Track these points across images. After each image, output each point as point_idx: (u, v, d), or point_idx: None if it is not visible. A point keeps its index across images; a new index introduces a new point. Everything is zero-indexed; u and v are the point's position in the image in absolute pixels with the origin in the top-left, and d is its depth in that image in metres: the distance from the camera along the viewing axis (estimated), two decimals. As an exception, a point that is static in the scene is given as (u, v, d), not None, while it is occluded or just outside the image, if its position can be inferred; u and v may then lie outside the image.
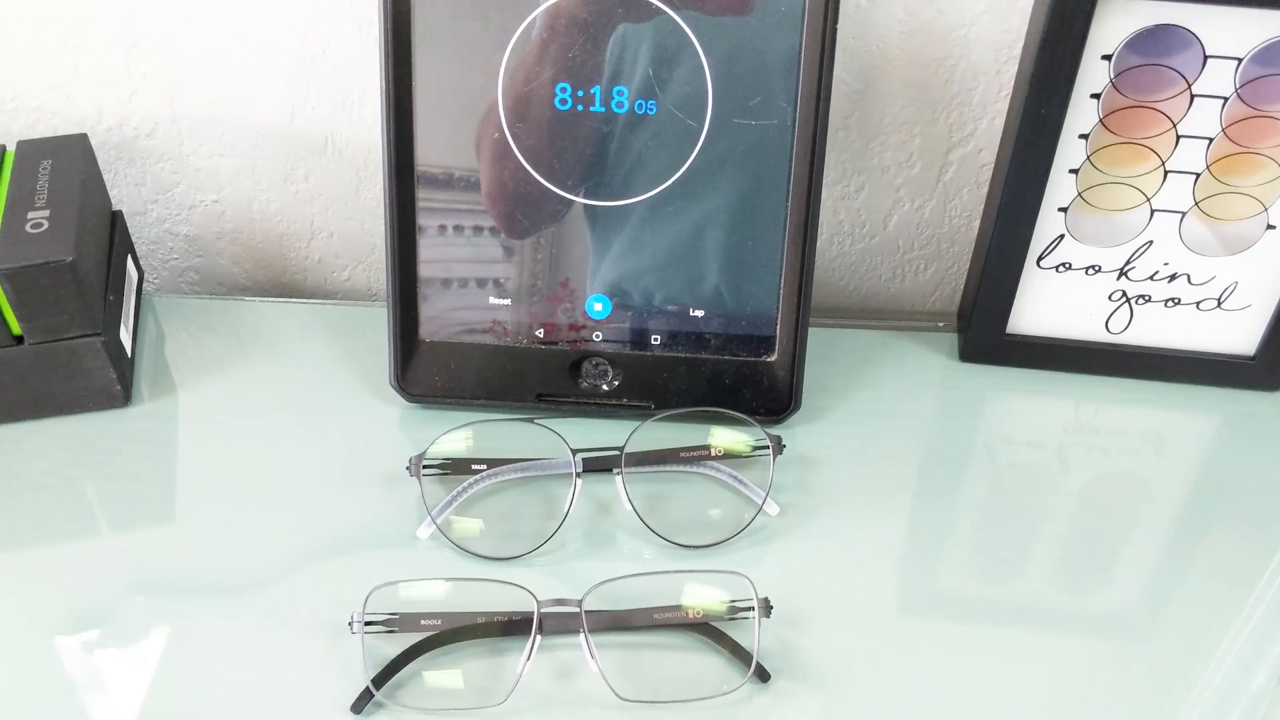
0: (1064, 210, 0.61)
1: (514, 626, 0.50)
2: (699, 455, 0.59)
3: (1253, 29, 0.55)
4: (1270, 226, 0.60)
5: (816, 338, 0.64)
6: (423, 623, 0.51)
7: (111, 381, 0.61)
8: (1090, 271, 0.63)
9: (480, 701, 0.49)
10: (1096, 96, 0.58)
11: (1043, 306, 0.65)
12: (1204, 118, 0.58)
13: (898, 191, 0.71)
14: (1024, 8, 0.63)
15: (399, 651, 0.50)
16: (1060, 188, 0.60)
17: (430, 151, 0.58)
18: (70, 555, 0.55)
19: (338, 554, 0.55)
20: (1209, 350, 0.65)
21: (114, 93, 0.67)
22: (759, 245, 0.59)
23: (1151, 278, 0.63)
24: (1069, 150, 0.59)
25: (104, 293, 0.61)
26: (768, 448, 0.58)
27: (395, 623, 0.50)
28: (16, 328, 0.58)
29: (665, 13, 0.55)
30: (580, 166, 0.58)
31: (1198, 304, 0.63)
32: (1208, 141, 0.58)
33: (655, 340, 0.61)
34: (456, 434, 0.58)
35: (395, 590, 0.51)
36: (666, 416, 0.59)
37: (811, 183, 0.57)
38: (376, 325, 0.64)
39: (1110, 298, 0.64)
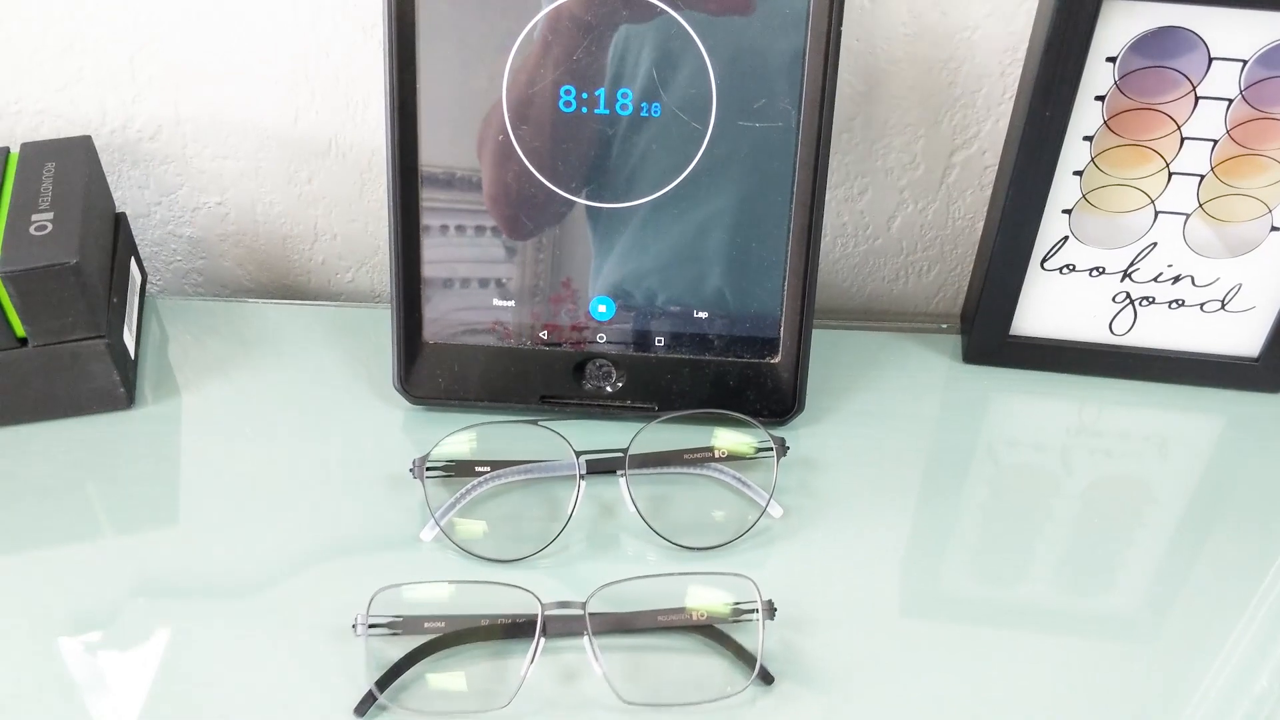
0: (1068, 212, 0.61)
1: (518, 629, 0.50)
2: (703, 457, 0.59)
3: (1258, 31, 0.55)
4: (1274, 228, 0.60)
5: (820, 339, 0.64)
6: (426, 625, 0.51)
7: (115, 384, 0.61)
8: (1094, 273, 0.63)
9: (484, 704, 0.49)
10: (1101, 99, 0.58)
11: (1046, 308, 0.64)
12: (1208, 120, 0.58)
13: (901, 193, 0.71)
14: (1028, 10, 0.63)
15: (402, 654, 0.50)
16: (1064, 190, 0.60)
17: (434, 153, 0.58)
18: (73, 557, 0.55)
19: (341, 556, 0.55)
20: (1213, 352, 0.65)
21: (118, 95, 0.67)
22: (763, 247, 0.59)
23: (1155, 279, 0.63)
24: (1073, 152, 0.59)
25: (108, 295, 0.61)
26: (771, 449, 0.58)
27: (399, 625, 0.50)
28: (20, 330, 0.58)
29: (667, 13, 0.55)
30: (584, 169, 0.58)
31: (1202, 306, 0.63)
32: (1212, 143, 0.58)
33: (659, 342, 0.61)
34: (460, 436, 0.58)
35: (399, 593, 0.51)
36: (670, 418, 0.59)
37: (815, 185, 0.57)
38: (380, 327, 0.64)
39: (1114, 299, 0.64)
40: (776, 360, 0.61)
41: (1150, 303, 0.64)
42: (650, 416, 0.60)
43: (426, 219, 0.59)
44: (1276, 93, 0.56)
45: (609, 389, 0.62)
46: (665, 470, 0.59)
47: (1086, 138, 0.59)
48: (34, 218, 0.58)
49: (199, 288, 0.77)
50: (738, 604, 0.51)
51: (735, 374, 0.61)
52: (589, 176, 0.58)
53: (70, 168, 0.62)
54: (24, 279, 0.56)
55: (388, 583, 0.51)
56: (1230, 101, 0.57)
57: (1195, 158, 0.59)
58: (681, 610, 0.51)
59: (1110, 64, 0.57)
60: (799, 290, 0.59)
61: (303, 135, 0.69)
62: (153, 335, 0.67)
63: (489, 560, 0.55)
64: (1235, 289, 0.62)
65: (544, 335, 0.61)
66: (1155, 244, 0.62)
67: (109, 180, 0.68)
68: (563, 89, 0.56)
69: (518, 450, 0.58)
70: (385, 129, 0.57)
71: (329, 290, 0.76)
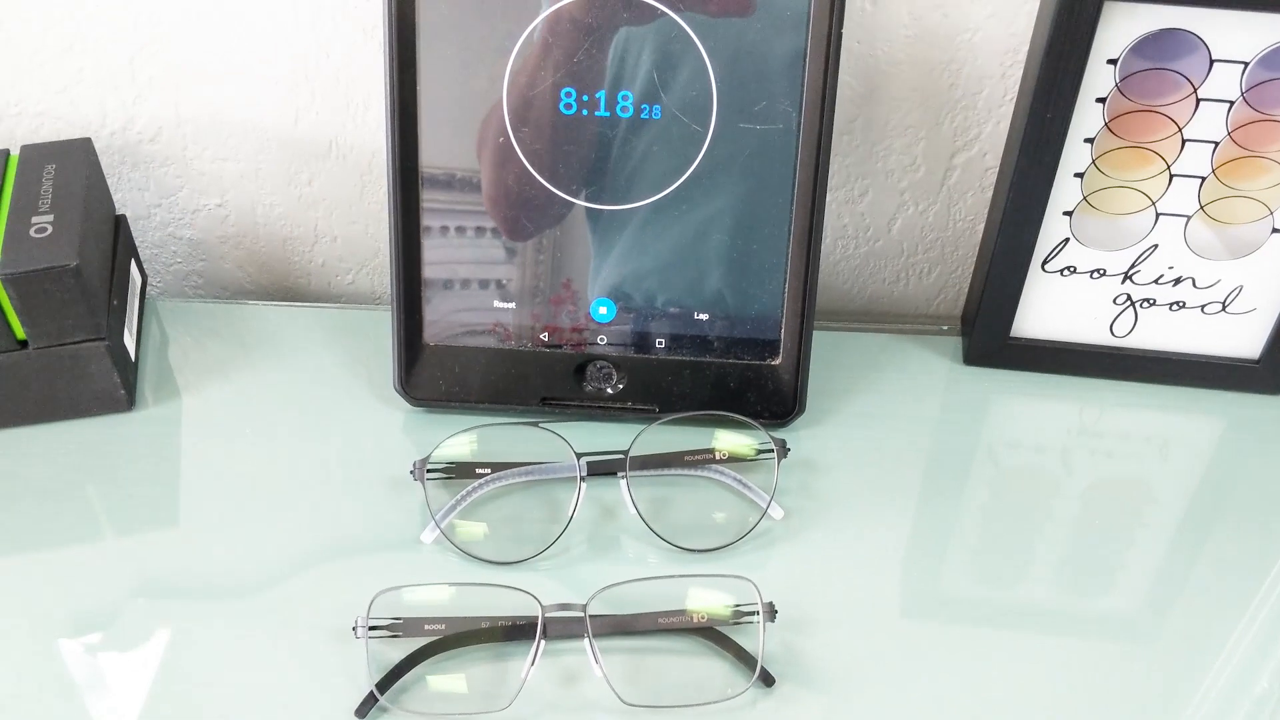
0: (1069, 214, 0.61)
1: (518, 631, 0.50)
2: (703, 459, 0.59)
3: (1259, 33, 0.55)
4: (1276, 230, 0.60)
5: (821, 341, 0.64)
6: (427, 627, 0.50)
7: (115, 386, 0.61)
8: (1095, 275, 0.63)
9: (484, 706, 0.49)
10: (1102, 101, 0.58)
11: (1047, 310, 0.64)
12: (1210, 122, 0.58)
13: (902, 195, 0.71)
14: (1029, 12, 0.63)
15: (403, 656, 0.50)
16: (1065, 191, 0.60)
17: (435, 155, 0.58)
18: (74, 559, 0.55)
19: (341, 558, 0.55)
20: (1214, 354, 0.65)
21: (118, 97, 0.67)
22: (763, 249, 0.59)
23: (1156, 281, 0.63)
24: (1074, 154, 0.59)
25: (108, 297, 0.61)
26: (772, 451, 0.58)
27: (399, 627, 0.50)
28: (21, 332, 0.58)
29: (668, 15, 0.55)
30: (585, 171, 0.58)
31: (1202, 308, 0.63)
32: (1213, 145, 0.58)
33: (660, 344, 0.61)
34: (460, 438, 0.58)
35: (399, 595, 0.51)
36: (671, 420, 0.59)
37: (816, 186, 0.57)
38: (380, 329, 0.64)
39: (1115, 301, 0.64)
40: (777, 362, 0.61)
41: (1151, 304, 0.64)
42: (651, 418, 0.60)
43: (427, 220, 0.59)
44: (1278, 95, 0.56)
45: (610, 391, 0.62)
46: (666, 472, 0.59)
47: (1087, 140, 0.59)
48: (34, 220, 0.58)
49: (199, 290, 0.76)
50: (738, 606, 0.51)
51: (736, 376, 0.61)
52: (589, 178, 0.58)
53: (70, 170, 0.62)
54: (24, 281, 0.56)
55: (388, 585, 0.51)
56: (1231, 103, 0.57)
57: (1196, 160, 0.59)
58: (682, 612, 0.51)
59: (1111, 66, 0.57)
60: (799, 292, 0.59)
61: (303, 137, 0.69)
62: (153, 337, 0.67)
63: (489, 562, 0.55)
64: (1236, 291, 0.62)
65: (544, 337, 0.61)
66: (1156, 246, 0.62)
67: (109, 182, 0.68)
68: (563, 91, 0.56)
69: (518, 452, 0.58)
70: (386, 130, 0.57)
71: (329, 292, 0.76)
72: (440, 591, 0.52)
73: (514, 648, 0.51)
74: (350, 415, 0.62)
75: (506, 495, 0.58)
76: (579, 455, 0.56)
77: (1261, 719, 0.49)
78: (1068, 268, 0.63)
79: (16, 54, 0.66)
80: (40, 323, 0.57)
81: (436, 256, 0.60)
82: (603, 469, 0.57)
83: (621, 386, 0.62)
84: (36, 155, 0.63)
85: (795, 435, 0.61)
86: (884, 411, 0.63)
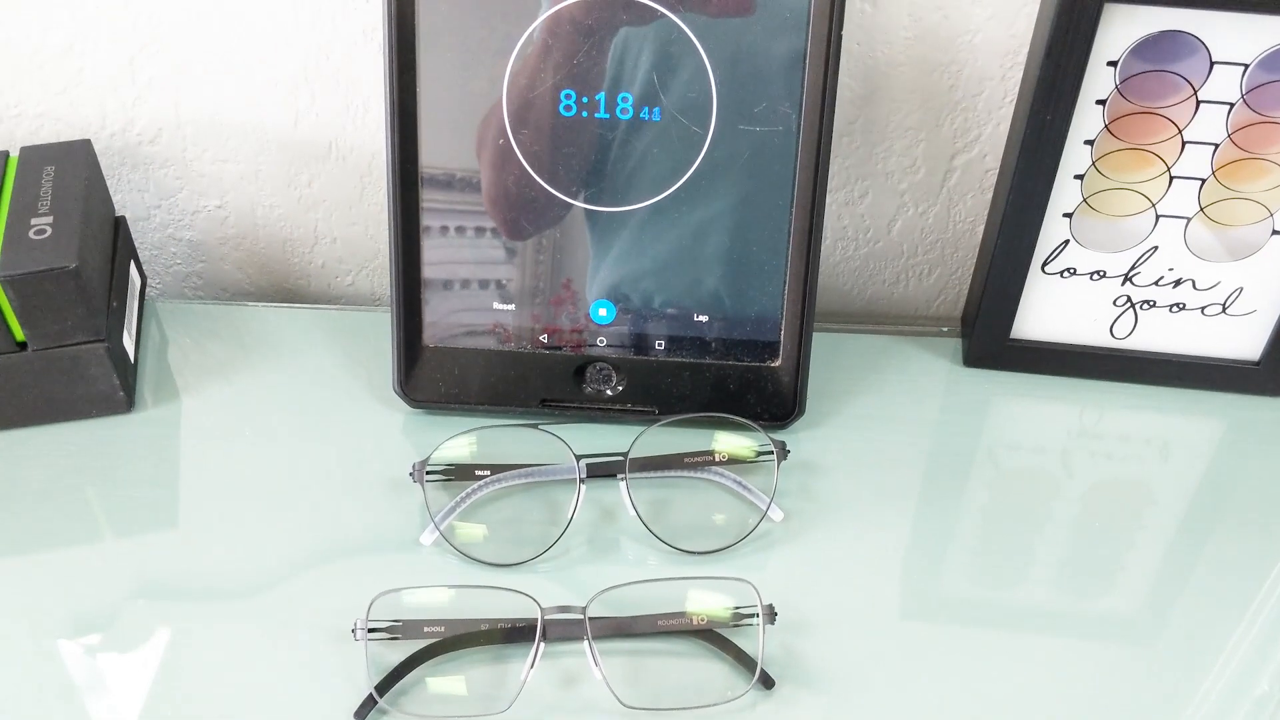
0: (1069, 216, 0.61)
1: (517, 633, 0.50)
2: (703, 461, 0.59)
3: (1259, 35, 0.55)
4: (1276, 232, 0.60)
5: (820, 343, 0.64)
6: (426, 629, 0.50)
7: (114, 387, 0.61)
8: (1095, 277, 0.63)
9: (483, 709, 0.49)
10: (1102, 102, 0.58)
11: (1047, 312, 0.64)
12: (1210, 123, 0.58)
13: (902, 197, 0.71)
14: (1029, 13, 0.63)
15: (402, 658, 0.50)
16: (1065, 193, 0.60)
17: (435, 156, 0.58)
18: (73, 561, 0.55)
19: (341, 560, 0.55)
20: (1214, 355, 0.65)
21: (117, 98, 0.67)
22: (763, 250, 0.59)
23: (1156, 283, 0.63)
24: (1074, 156, 0.59)
25: (107, 299, 0.61)
26: (772, 453, 0.58)
27: (398, 629, 0.50)
28: (20, 334, 0.58)
29: (667, 17, 0.55)
30: (585, 173, 0.58)
31: (1203, 309, 0.63)
32: (1213, 147, 0.58)
33: (659, 345, 0.61)
34: (460, 440, 0.58)
35: (398, 597, 0.51)
36: (671, 422, 0.59)
37: (816, 188, 0.57)
38: (380, 331, 0.64)
39: (1115, 303, 0.64)
40: (777, 364, 0.61)
41: (1151, 306, 0.64)
42: (651, 420, 0.60)
43: (426, 220, 0.59)
44: (1278, 96, 0.56)
45: (609, 392, 0.62)
46: (666, 474, 0.59)
47: (1087, 141, 0.59)
48: (33, 222, 0.58)
49: (199, 291, 0.76)
50: (738, 608, 0.51)
51: (736, 377, 0.61)
52: (589, 180, 0.58)
53: (70, 171, 0.62)
54: (23, 283, 0.56)
55: (387, 587, 0.51)
56: (1231, 105, 0.57)
57: (1196, 161, 0.59)
58: (682, 614, 0.51)
59: (1111, 68, 0.57)
60: (799, 294, 0.59)
61: (303, 138, 0.69)
62: (152, 339, 0.67)
63: (489, 564, 0.55)
64: (1236, 293, 0.62)
65: (544, 338, 0.61)
66: (1156, 247, 0.62)
67: (109, 183, 0.68)
68: (563, 93, 0.56)
69: (518, 454, 0.58)
70: (385, 132, 0.57)
71: (329, 294, 0.76)
72: (439, 594, 0.51)
73: (513, 650, 0.51)
74: (350, 417, 0.62)
75: (506, 497, 0.58)
76: (578, 457, 0.56)
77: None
78: (1068, 269, 0.63)
79: (16, 55, 0.66)
80: (39, 324, 0.57)
81: (436, 257, 0.60)
82: (602, 471, 0.56)
83: (621, 388, 0.61)
84: (36, 157, 0.63)
85: (795, 437, 0.61)
86: (884, 413, 0.63)
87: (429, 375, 0.61)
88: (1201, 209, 0.60)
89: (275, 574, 0.54)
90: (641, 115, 0.56)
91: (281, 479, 0.59)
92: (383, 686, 0.49)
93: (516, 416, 0.62)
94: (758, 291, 0.60)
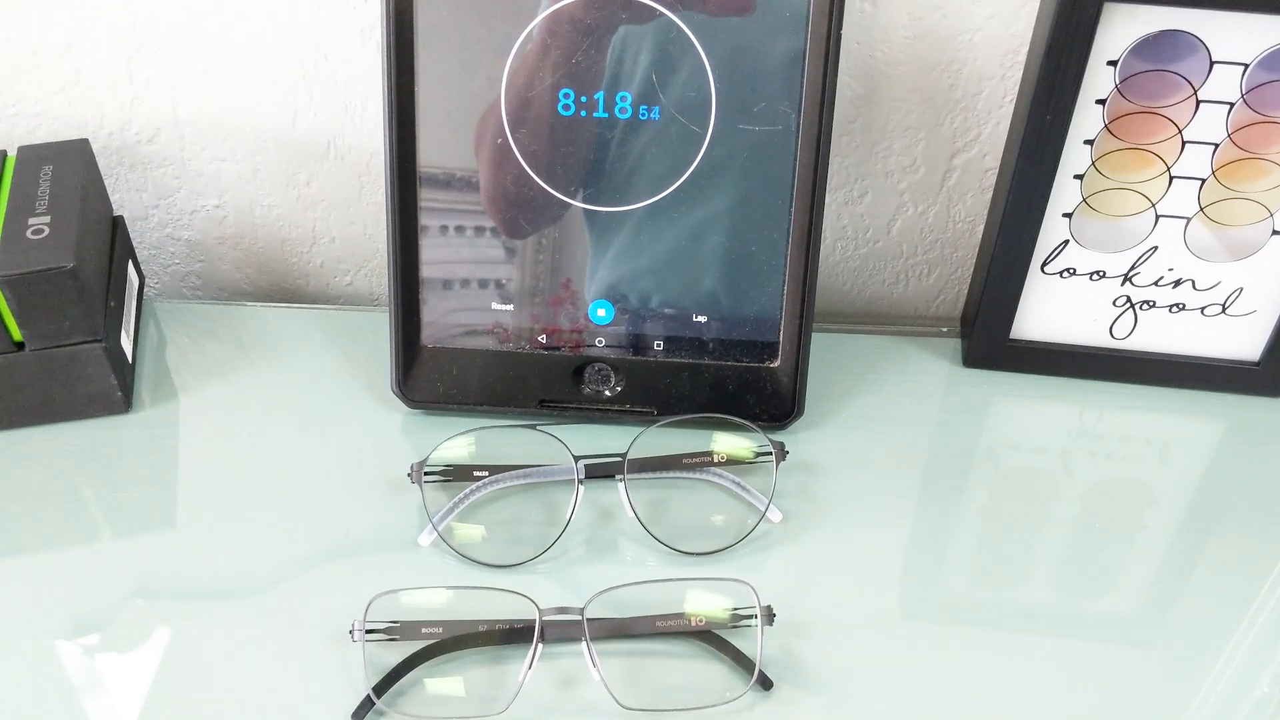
0: (1068, 216, 0.61)
1: (515, 634, 0.50)
2: (702, 461, 0.59)
3: (1259, 34, 0.55)
4: (1276, 232, 0.60)
5: (820, 343, 0.64)
6: (424, 631, 0.50)
7: (112, 387, 0.60)
8: (1095, 277, 0.63)
9: (482, 710, 0.48)
10: (1102, 102, 0.57)
11: (1047, 312, 0.64)
12: (1210, 123, 0.57)
13: (901, 196, 0.70)
14: (1029, 12, 0.63)
15: (400, 659, 0.50)
16: (1065, 193, 0.60)
17: (433, 156, 0.58)
18: (71, 561, 0.55)
19: (339, 561, 0.55)
20: (1214, 356, 0.64)
21: (115, 97, 0.67)
22: (762, 250, 0.59)
23: (1156, 283, 0.63)
24: (1074, 155, 0.59)
25: (105, 298, 0.61)
26: (771, 454, 0.58)
27: (396, 630, 0.50)
28: (17, 334, 0.58)
29: (666, 16, 0.54)
30: (583, 172, 0.58)
31: (1202, 309, 0.63)
32: (1213, 147, 0.58)
33: (658, 346, 0.61)
34: (458, 440, 0.58)
35: (396, 598, 0.51)
36: (669, 423, 0.59)
37: (815, 188, 0.57)
38: (378, 331, 0.64)
39: (1115, 303, 0.64)
40: (776, 364, 0.61)
41: (1151, 306, 0.63)
42: (649, 421, 0.60)
43: (425, 219, 0.59)
44: (1278, 96, 0.56)
45: (608, 393, 0.61)
46: (664, 475, 0.59)
47: (1087, 141, 0.59)
48: (31, 221, 0.58)
49: (197, 291, 0.76)
50: (736, 609, 0.51)
51: (734, 378, 0.61)
52: (588, 180, 0.58)
53: (67, 171, 0.62)
54: (20, 283, 0.56)
55: (385, 587, 0.51)
56: (1232, 105, 0.57)
57: (1196, 161, 0.59)
58: (680, 615, 0.51)
59: (1111, 67, 0.56)
60: (798, 294, 0.59)
61: (301, 138, 0.69)
62: (150, 339, 0.67)
63: (487, 565, 0.54)
64: (1236, 293, 0.62)
65: (543, 339, 0.61)
66: (1156, 248, 0.62)
67: (106, 183, 0.68)
68: (561, 92, 0.56)
69: (516, 454, 0.58)
70: (384, 131, 0.57)
71: (327, 293, 0.76)
72: (437, 594, 0.51)
73: (511, 651, 0.51)
74: (348, 417, 0.62)
75: (504, 498, 0.58)
76: (577, 458, 0.56)
77: (1261, 722, 0.49)
78: (1067, 269, 0.63)
79: (14, 54, 0.66)
80: (37, 324, 0.57)
81: (435, 257, 0.59)
82: (601, 472, 0.56)
83: (620, 389, 0.61)
84: (34, 156, 0.63)
85: (794, 438, 0.61)
86: (883, 414, 0.63)
87: (427, 375, 0.61)
88: (1201, 209, 0.60)
89: (273, 574, 0.54)
90: (640, 114, 0.56)
91: (279, 479, 0.59)
92: (380, 687, 0.49)
93: (515, 417, 0.61)
94: (757, 291, 0.60)
